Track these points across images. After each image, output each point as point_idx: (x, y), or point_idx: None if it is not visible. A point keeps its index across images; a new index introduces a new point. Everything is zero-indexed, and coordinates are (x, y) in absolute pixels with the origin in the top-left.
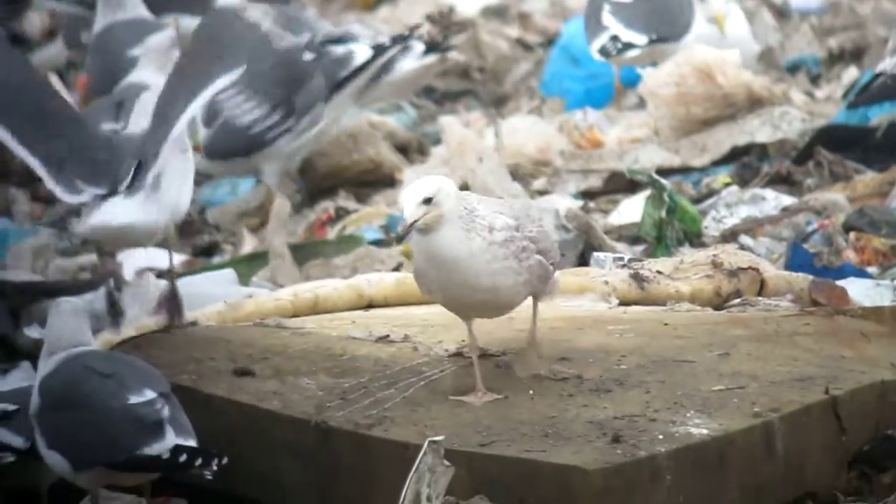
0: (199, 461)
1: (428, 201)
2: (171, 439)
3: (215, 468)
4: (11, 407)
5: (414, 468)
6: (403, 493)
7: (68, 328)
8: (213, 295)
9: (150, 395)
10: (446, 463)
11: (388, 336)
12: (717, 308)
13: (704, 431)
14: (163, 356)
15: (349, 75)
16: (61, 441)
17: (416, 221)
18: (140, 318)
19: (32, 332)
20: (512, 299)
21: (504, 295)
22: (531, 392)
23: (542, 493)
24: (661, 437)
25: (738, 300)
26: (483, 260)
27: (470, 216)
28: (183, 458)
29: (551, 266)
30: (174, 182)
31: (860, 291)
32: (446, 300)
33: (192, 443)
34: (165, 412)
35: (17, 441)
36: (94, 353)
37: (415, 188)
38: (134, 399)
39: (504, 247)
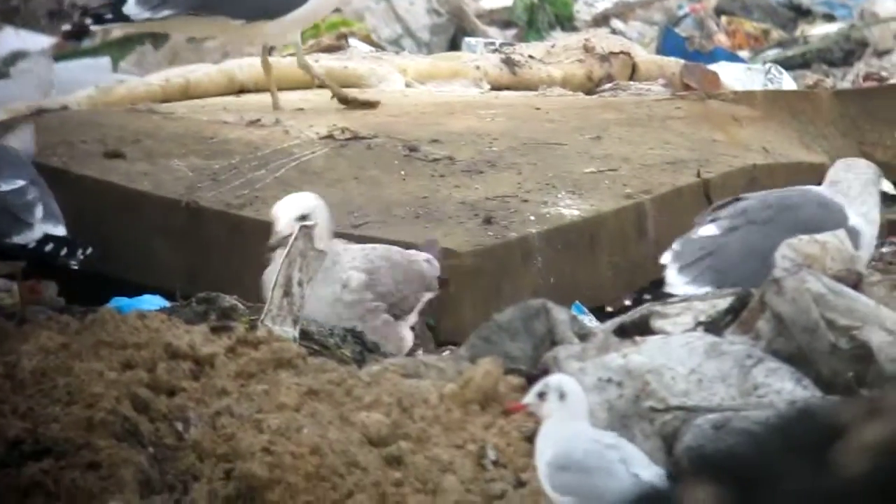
0: (64, 251)
1: (303, 218)
2: (38, 228)
3: (80, 257)
4: None
5: (285, 252)
6: (275, 278)
7: None
8: (84, 80)
9: (19, 182)
10: (318, 248)
11: (259, 120)
12: (589, 92)
13: (576, 213)
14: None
15: None
16: None
17: (290, 235)
18: (13, 101)
19: None
20: None
21: None
22: (403, 173)
23: None
24: (532, 218)
25: (609, 84)
26: (326, 311)
27: (332, 262)
28: (49, 247)
29: (407, 313)
30: None
31: (732, 75)
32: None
33: (60, 231)
34: (34, 200)
35: None
36: None
37: (290, 204)
38: (4, 187)
39: (349, 308)
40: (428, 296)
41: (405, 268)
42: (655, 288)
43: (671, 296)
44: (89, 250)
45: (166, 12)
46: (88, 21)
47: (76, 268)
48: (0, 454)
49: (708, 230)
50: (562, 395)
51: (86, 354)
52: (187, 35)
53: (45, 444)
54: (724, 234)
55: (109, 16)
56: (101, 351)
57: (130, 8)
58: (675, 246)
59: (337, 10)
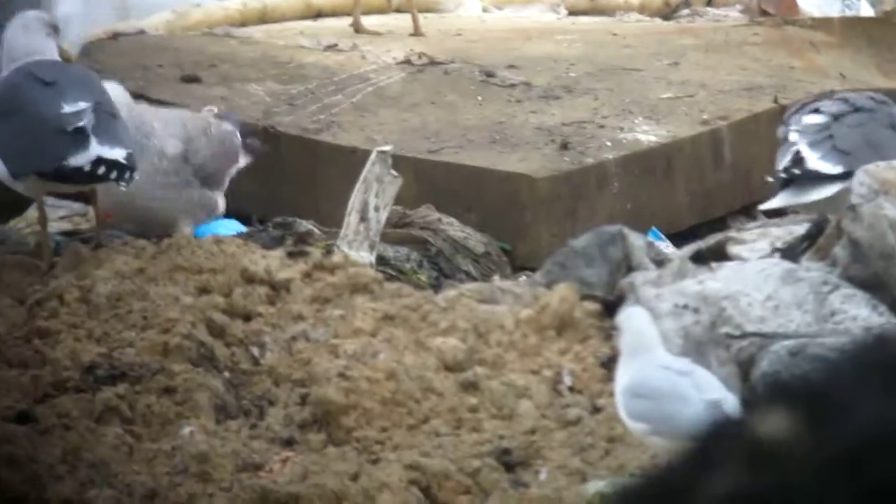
0: (114, 173)
1: None
2: (93, 150)
3: (130, 179)
4: None
5: (361, 178)
6: (351, 203)
7: (26, 41)
8: (161, 4)
9: (82, 105)
10: (394, 173)
11: (336, 45)
12: (666, 18)
13: (653, 138)
14: (112, 62)
15: None
16: (2, 148)
17: None
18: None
19: None
20: (166, 225)
21: (157, 219)
22: (479, 98)
23: (489, 201)
24: (608, 143)
25: (686, 10)
26: (145, 183)
27: (143, 134)
28: (101, 170)
29: (221, 184)
30: None
31: (809, 1)
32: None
33: (116, 154)
34: (92, 122)
35: None
36: (42, 63)
37: None
38: (67, 109)
39: (166, 176)
40: (239, 165)
41: (220, 139)
42: (791, 168)
43: (818, 180)
44: (136, 175)
45: None
46: None
47: (124, 189)
48: (75, 379)
49: (813, 118)
50: (628, 329)
51: (161, 279)
52: None
53: (121, 369)
54: (834, 120)
55: None
56: (176, 276)
57: None
58: (794, 127)
59: None
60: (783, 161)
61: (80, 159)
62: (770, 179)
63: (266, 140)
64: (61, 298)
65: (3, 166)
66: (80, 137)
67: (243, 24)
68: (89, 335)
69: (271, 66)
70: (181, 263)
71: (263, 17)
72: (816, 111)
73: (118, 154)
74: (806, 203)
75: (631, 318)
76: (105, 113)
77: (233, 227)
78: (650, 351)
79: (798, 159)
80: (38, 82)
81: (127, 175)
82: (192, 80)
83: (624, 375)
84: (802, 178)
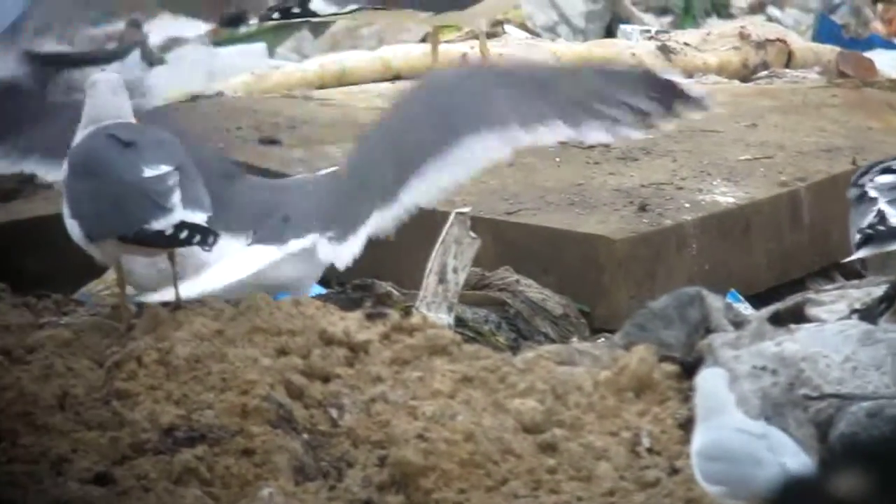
0: (197, 238)
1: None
2: (177, 215)
3: (213, 244)
4: None
5: (440, 240)
6: (430, 265)
7: (104, 103)
8: (239, 66)
9: (164, 168)
10: (472, 235)
11: None
12: (745, 80)
13: (731, 200)
14: (190, 125)
15: None
16: (79, 210)
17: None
18: (168, 87)
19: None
20: None
21: None
22: (557, 160)
23: (567, 263)
24: (687, 205)
25: (765, 72)
26: None
27: None
28: (184, 234)
29: None
30: None
31: (888, 63)
32: None
33: (198, 218)
34: (176, 186)
35: None
36: (122, 125)
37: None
38: (148, 172)
39: None
40: None
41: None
42: (875, 226)
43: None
44: (220, 239)
45: (353, 6)
46: (276, 15)
47: (208, 252)
48: (154, 440)
49: (887, 178)
50: (704, 392)
51: (240, 341)
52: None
53: (200, 431)
54: None
55: (297, 10)
56: (255, 337)
57: (318, 3)
58: (871, 186)
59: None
60: (866, 219)
61: (163, 223)
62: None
63: None
64: (140, 360)
65: (78, 228)
66: (162, 201)
67: (321, 86)
68: (168, 397)
69: (350, 128)
70: (260, 325)
71: (342, 80)
72: (889, 171)
73: (200, 218)
74: (890, 249)
75: (706, 380)
76: (187, 176)
77: (312, 288)
78: (725, 413)
79: (881, 217)
80: (117, 144)
81: (210, 239)
82: (270, 142)
83: (699, 438)
84: (886, 234)
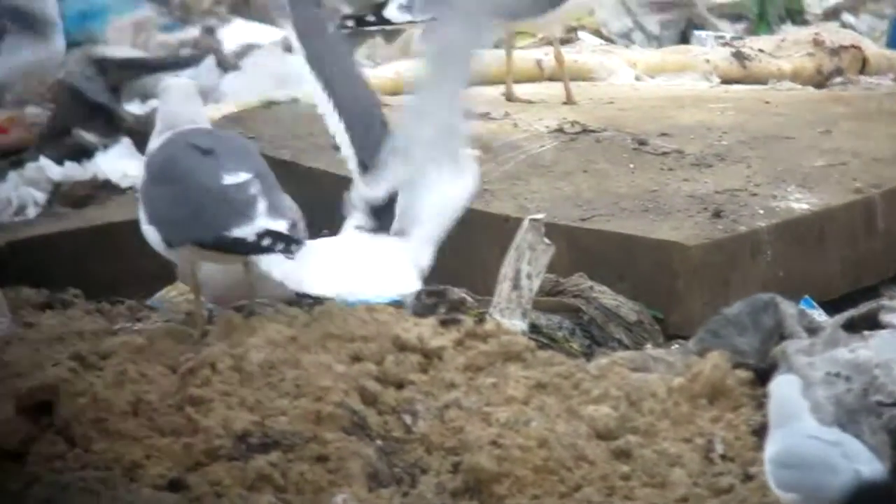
0: (280, 245)
1: None
2: (259, 222)
3: (295, 252)
4: None
5: (514, 246)
6: (503, 271)
7: (179, 109)
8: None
9: (244, 176)
10: (546, 241)
11: (488, 113)
12: (819, 86)
13: (805, 206)
14: (264, 131)
15: None
16: (157, 216)
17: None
18: (242, 92)
19: (133, 108)
20: None
21: None
22: (631, 166)
23: (641, 269)
24: (761, 211)
25: (839, 78)
26: None
27: None
28: (267, 241)
29: None
30: None
31: None
32: None
33: (280, 225)
34: (257, 194)
35: None
36: (199, 131)
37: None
38: (228, 179)
39: None
40: None
41: None
42: None
43: None
44: (303, 245)
45: (428, 14)
46: (350, 24)
47: (291, 259)
48: (228, 447)
49: None
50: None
51: (314, 347)
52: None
53: (273, 437)
54: None
55: (371, 18)
56: (329, 343)
57: (392, 11)
58: None
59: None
60: None
61: (245, 230)
62: None
63: None
64: (214, 366)
65: (155, 234)
66: (245, 208)
67: (396, 92)
68: (242, 403)
69: None
70: (333, 331)
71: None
72: None
73: (282, 225)
74: None
75: (780, 387)
76: (266, 184)
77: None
78: (799, 420)
79: None
80: (196, 151)
81: (293, 247)
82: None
83: (773, 444)
84: None
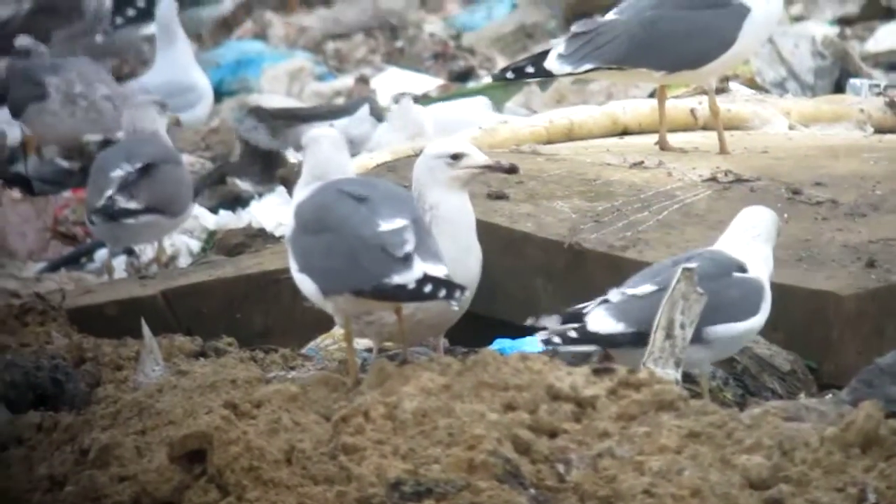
0: (443, 291)
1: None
2: (418, 269)
3: (459, 298)
4: None
5: (667, 295)
6: (657, 319)
7: (327, 159)
8: (467, 121)
9: (400, 222)
10: (700, 290)
11: (642, 162)
12: None
13: None
14: None
15: None
16: (311, 265)
17: None
18: (396, 141)
19: (288, 156)
20: None
21: None
22: (785, 215)
23: (795, 318)
24: None
25: None
26: None
27: None
28: (428, 288)
29: None
30: None
31: None
32: None
33: (440, 271)
34: (414, 240)
35: None
36: (351, 180)
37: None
38: (384, 226)
39: None
40: None
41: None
42: None
43: None
44: (468, 293)
45: (588, 66)
46: (510, 75)
47: (455, 308)
48: (381, 495)
49: None
50: None
51: (467, 395)
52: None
53: (426, 486)
54: None
55: (531, 70)
56: (482, 392)
57: (552, 63)
58: None
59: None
60: None
61: (405, 277)
62: None
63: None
64: (367, 415)
65: (310, 283)
66: (404, 255)
67: (549, 141)
68: (395, 451)
69: (577, 183)
70: (487, 380)
71: (570, 135)
72: None
73: (440, 271)
74: None
75: None
76: (421, 230)
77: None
78: None
79: None
80: (350, 199)
81: (458, 293)
82: (498, 196)
83: None
84: None
